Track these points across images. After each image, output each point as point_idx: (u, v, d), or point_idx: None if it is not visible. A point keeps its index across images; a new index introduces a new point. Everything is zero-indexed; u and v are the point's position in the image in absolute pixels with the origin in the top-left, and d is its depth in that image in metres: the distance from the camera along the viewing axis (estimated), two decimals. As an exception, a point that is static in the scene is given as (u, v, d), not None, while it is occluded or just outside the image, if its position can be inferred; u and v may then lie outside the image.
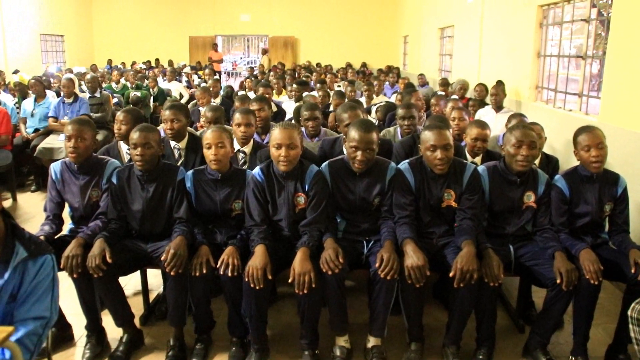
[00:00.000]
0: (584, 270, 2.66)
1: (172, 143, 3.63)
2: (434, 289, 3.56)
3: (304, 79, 9.41)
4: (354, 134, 2.83)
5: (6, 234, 1.81)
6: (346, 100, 5.71)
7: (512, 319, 3.31)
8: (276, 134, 2.80)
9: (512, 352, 2.98)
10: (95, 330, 2.94)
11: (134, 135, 2.88)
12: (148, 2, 18.01)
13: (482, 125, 3.59)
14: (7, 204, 5.76)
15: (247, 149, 3.59)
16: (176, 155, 3.62)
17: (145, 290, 3.33)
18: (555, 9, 5.76)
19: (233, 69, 20.65)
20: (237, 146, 3.58)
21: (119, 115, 3.66)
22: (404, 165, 2.98)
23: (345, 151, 3.06)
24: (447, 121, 3.47)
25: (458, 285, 2.62)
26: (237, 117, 3.51)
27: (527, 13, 6.18)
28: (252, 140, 3.63)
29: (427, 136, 2.85)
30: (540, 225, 2.97)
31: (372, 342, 2.85)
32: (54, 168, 3.07)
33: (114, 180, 2.97)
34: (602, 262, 2.75)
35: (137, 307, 3.36)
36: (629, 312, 2.36)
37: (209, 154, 2.88)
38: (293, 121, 4.65)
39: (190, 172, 3.04)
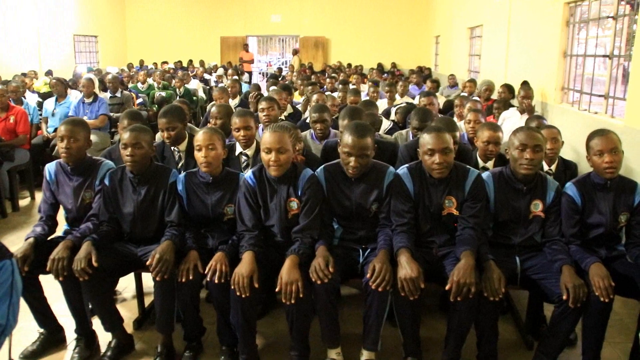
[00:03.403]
0: (594, 286, 2.46)
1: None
2: (440, 300, 3.39)
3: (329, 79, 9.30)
4: (347, 138, 2.70)
5: None
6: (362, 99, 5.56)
7: (521, 335, 3.12)
8: (266, 137, 2.69)
9: (517, 370, 2.81)
10: (85, 334, 2.89)
11: (125, 135, 2.83)
12: (180, 3, 18.20)
13: (494, 127, 3.41)
14: (25, 202, 5.84)
15: (250, 151, 3.49)
16: (176, 157, 3.56)
17: (140, 294, 3.28)
18: (582, 6, 5.48)
19: (268, 68, 20.71)
20: (239, 149, 3.49)
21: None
22: (402, 170, 2.83)
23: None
24: (453, 124, 3.28)
25: (454, 299, 2.46)
26: (235, 121, 3.41)
27: (553, 10, 5.91)
28: (255, 142, 3.54)
29: (425, 139, 2.70)
30: (550, 236, 2.78)
31: (365, 355, 2.71)
32: (49, 169, 3.05)
33: (107, 181, 2.93)
34: (617, 277, 2.55)
35: (133, 310, 3.32)
36: (640, 334, 2.17)
37: (199, 156, 2.80)
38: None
39: (182, 174, 2.97)
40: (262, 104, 4.29)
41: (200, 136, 2.81)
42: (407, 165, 2.86)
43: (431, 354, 2.87)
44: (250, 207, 2.78)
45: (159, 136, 3.81)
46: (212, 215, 2.91)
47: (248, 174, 2.84)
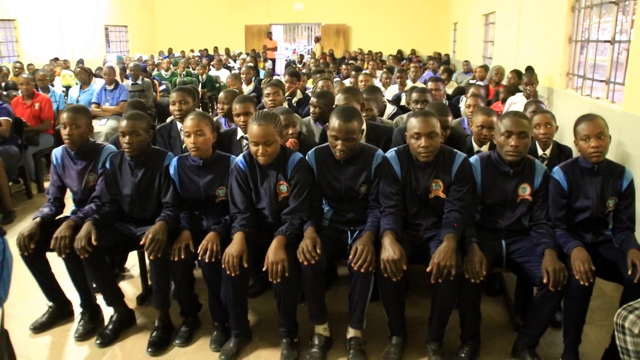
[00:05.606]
0: (574, 270, 2.48)
1: (179, 125, 3.71)
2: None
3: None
4: (333, 122, 2.77)
5: None
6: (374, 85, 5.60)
7: (510, 316, 3.16)
8: (252, 130, 2.73)
9: (502, 350, 2.85)
10: (89, 308, 3.06)
11: (122, 123, 2.95)
12: (206, -8, 18.44)
13: (488, 112, 3.42)
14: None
15: (251, 136, 3.59)
16: (182, 136, 3.69)
17: (143, 271, 3.43)
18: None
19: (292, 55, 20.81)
20: (240, 133, 3.60)
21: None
22: (390, 153, 2.89)
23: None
24: (445, 109, 3.30)
25: (435, 281, 2.52)
26: (235, 107, 3.51)
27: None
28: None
29: (412, 123, 2.74)
30: (537, 220, 2.80)
31: (351, 333, 2.80)
32: (56, 153, 3.21)
33: (108, 165, 3.06)
34: (601, 261, 2.59)
35: (139, 287, 3.49)
36: (614, 319, 2.19)
37: (188, 141, 2.89)
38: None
39: (175, 158, 3.07)
40: (267, 90, 4.41)
41: (188, 122, 2.90)
42: (395, 148, 2.92)
43: (418, 333, 2.94)
44: (241, 190, 2.88)
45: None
46: (205, 197, 3.01)
47: (239, 158, 2.93)
